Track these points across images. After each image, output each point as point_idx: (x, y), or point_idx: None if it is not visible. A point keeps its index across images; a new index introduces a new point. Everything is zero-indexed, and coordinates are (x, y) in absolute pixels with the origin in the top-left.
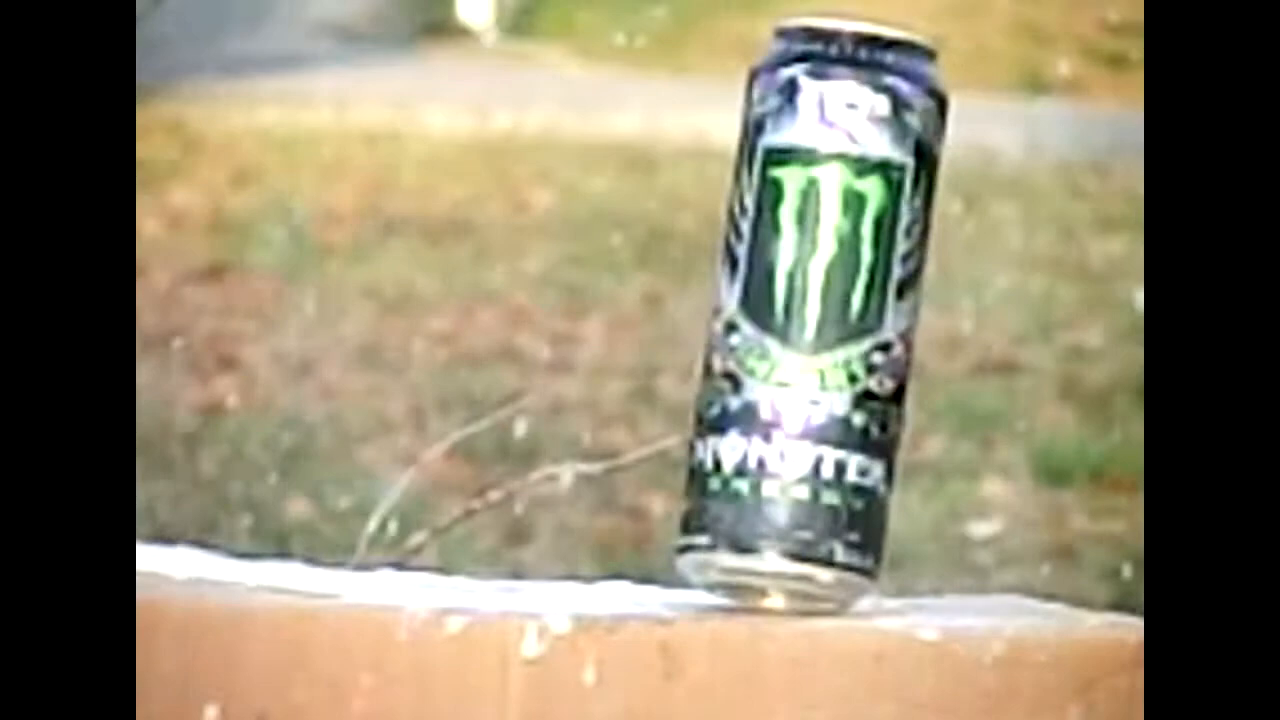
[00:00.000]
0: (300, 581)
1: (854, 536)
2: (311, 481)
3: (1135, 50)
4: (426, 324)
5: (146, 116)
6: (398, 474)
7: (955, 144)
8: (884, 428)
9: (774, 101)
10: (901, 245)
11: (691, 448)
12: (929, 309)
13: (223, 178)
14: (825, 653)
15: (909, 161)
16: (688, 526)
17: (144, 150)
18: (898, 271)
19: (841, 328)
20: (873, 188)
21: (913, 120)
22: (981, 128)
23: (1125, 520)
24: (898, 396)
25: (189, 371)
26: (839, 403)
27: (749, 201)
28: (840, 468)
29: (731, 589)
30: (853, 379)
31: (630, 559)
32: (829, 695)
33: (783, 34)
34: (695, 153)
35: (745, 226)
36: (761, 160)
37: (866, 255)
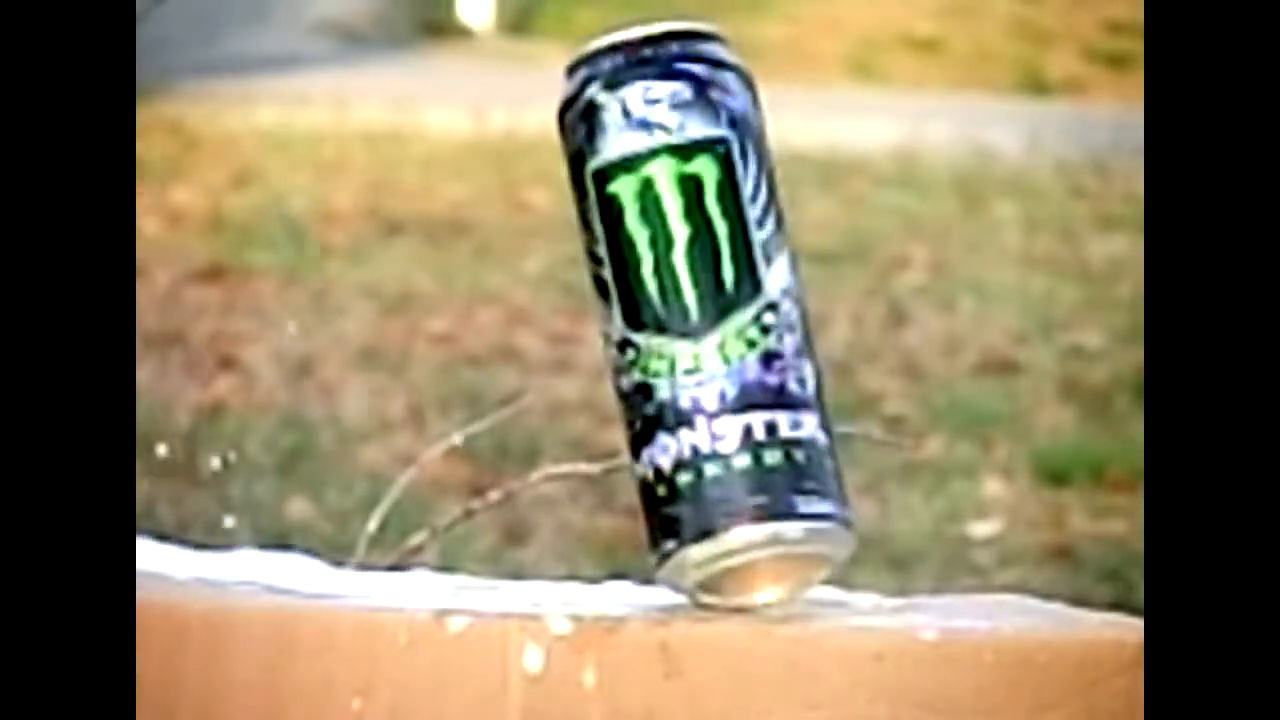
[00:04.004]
0: (299, 582)
1: (809, 485)
2: (311, 481)
3: (1135, 50)
4: (426, 324)
5: (146, 116)
6: (398, 474)
7: (955, 144)
8: (801, 382)
9: (583, 129)
10: (752, 211)
11: (632, 473)
12: (929, 309)
13: (223, 178)
14: (825, 653)
15: (729, 134)
16: (655, 541)
17: (144, 150)
18: (757, 236)
19: (722, 301)
20: (704, 167)
21: (719, 96)
22: (981, 128)
23: (1125, 520)
24: (805, 351)
25: (189, 371)
26: (747, 369)
27: (598, 229)
28: (771, 427)
29: (714, 586)
30: (751, 344)
31: (630, 559)
32: (829, 695)
33: (570, 70)
34: None
35: (602, 251)
36: (593, 185)
37: (721, 229)
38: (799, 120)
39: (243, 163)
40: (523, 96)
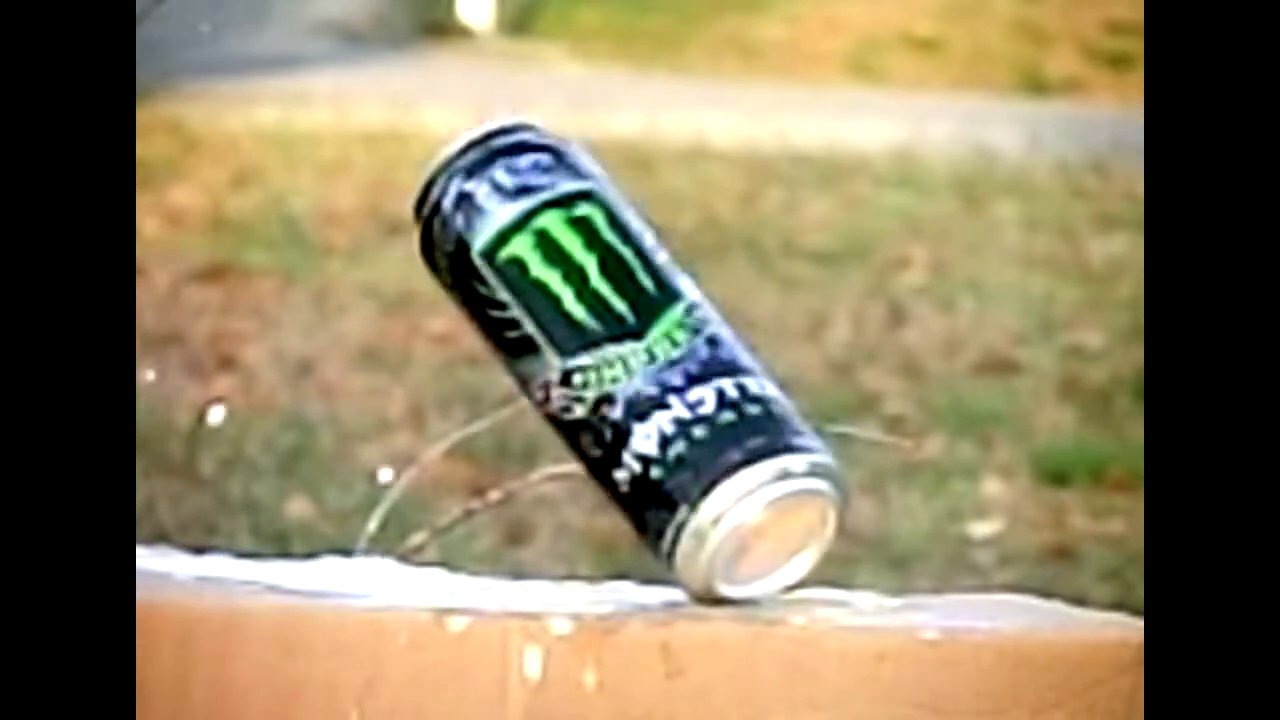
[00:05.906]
0: (300, 582)
1: (797, 426)
2: (311, 481)
3: (1135, 50)
4: (426, 324)
5: (146, 116)
6: (398, 474)
7: (955, 144)
8: (751, 358)
9: (459, 221)
10: (645, 239)
11: (615, 487)
12: (929, 309)
13: (223, 178)
14: (825, 653)
15: (597, 186)
16: (662, 529)
17: (144, 150)
18: (658, 257)
19: (653, 301)
20: (589, 209)
21: (575, 159)
22: (981, 128)
23: (1125, 520)
24: (737, 342)
25: (189, 371)
26: (699, 349)
27: (505, 297)
28: (741, 388)
29: (729, 566)
30: (695, 330)
31: (631, 559)
32: (829, 695)
33: (421, 197)
34: (694, 153)
35: (517, 313)
36: (485, 263)
37: (625, 251)
38: (799, 120)
39: (243, 163)
40: (523, 96)
